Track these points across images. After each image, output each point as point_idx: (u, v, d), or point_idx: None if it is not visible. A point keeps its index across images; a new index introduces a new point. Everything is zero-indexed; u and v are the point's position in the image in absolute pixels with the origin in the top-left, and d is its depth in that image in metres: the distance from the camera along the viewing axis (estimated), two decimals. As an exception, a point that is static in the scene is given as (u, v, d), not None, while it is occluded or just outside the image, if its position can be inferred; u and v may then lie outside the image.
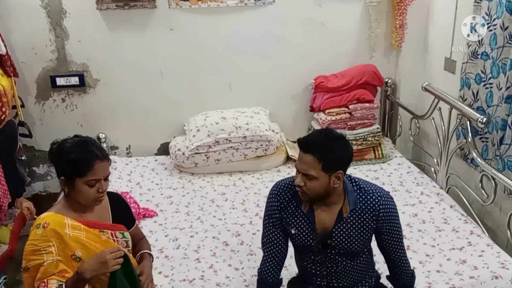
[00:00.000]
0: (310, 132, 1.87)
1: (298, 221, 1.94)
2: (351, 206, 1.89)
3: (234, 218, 2.83)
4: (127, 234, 1.98)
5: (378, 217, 1.90)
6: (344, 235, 1.92)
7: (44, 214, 1.83)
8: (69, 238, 1.78)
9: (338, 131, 3.33)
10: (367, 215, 1.90)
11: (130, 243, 1.99)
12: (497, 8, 2.50)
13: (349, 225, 1.91)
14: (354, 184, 1.93)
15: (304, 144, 1.83)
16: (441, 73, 3.12)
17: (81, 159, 1.79)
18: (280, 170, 3.39)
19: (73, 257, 1.78)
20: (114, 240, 1.92)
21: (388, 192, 1.98)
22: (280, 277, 2.06)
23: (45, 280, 1.73)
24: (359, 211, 1.90)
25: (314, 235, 1.93)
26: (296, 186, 1.87)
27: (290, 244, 2.05)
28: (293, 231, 1.95)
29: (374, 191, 1.92)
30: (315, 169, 1.80)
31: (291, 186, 1.95)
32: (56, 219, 1.80)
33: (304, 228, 1.94)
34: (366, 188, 1.92)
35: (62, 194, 1.90)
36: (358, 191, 1.91)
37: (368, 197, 1.90)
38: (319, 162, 1.80)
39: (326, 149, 1.80)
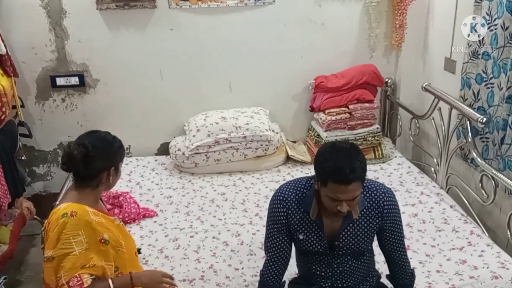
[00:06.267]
0: (325, 158, 1.77)
1: (306, 227, 1.92)
2: (360, 207, 1.89)
3: (234, 218, 2.83)
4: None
5: (383, 214, 1.90)
6: (352, 235, 1.92)
7: (64, 204, 1.81)
8: (96, 224, 1.81)
9: (338, 131, 3.42)
10: (372, 213, 1.90)
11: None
12: (498, 8, 2.50)
13: (356, 226, 1.91)
14: None
15: (346, 177, 1.72)
16: (441, 73, 3.12)
17: (122, 143, 1.98)
18: (280, 170, 3.39)
19: (102, 241, 1.81)
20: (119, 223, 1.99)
21: (390, 188, 1.98)
22: (283, 280, 2.05)
23: (77, 275, 1.74)
24: (365, 210, 1.90)
25: (322, 240, 1.93)
26: (340, 212, 1.80)
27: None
28: (301, 237, 1.94)
29: (377, 188, 1.92)
30: (359, 189, 1.77)
31: (297, 191, 1.93)
32: (79, 207, 1.81)
33: (313, 234, 1.93)
34: (369, 186, 1.92)
35: (68, 191, 1.91)
36: (361, 190, 1.90)
37: (373, 194, 1.90)
38: (362, 182, 1.78)
39: (361, 167, 1.75)
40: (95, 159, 1.84)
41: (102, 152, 1.86)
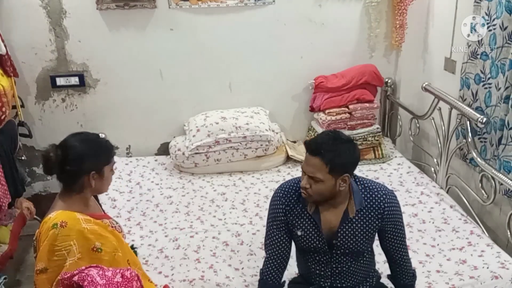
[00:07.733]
0: (317, 134, 1.84)
1: (304, 222, 1.94)
2: (357, 206, 1.89)
3: (234, 218, 2.83)
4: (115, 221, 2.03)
5: (383, 216, 1.91)
6: (349, 235, 1.92)
7: (54, 213, 1.77)
8: (88, 232, 1.76)
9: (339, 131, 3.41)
10: (372, 214, 1.91)
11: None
12: (497, 8, 2.50)
13: (354, 225, 1.91)
14: (359, 183, 1.93)
15: (312, 147, 1.80)
16: (441, 73, 3.12)
17: (109, 145, 1.90)
18: (280, 170, 3.39)
19: (94, 249, 1.76)
20: (113, 227, 1.95)
21: (392, 190, 1.98)
22: (283, 280, 2.05)
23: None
24: (364, 210, 1.90)
25: (320, 237, 1.93)
26: (301, 188, 1.85)
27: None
28: (299, 233, 1.95)
29: (378, 189, 1.92)
30: (322, 172, 1.78)
31: (297, 188, 1.94)
32: (70, 215, 1.76)
33: (310, 230, 1.93)
34: (371, 187, 1.92)
35: (57, 198, 1.88)
36: (363, 190, 1.91)
37: (373, 195, 1.91)
38: (326, 165, 1.78)
39: (334, 153, 1.77)
40: (70, 163, 1.76)
41: (79, 155, 1.78)
